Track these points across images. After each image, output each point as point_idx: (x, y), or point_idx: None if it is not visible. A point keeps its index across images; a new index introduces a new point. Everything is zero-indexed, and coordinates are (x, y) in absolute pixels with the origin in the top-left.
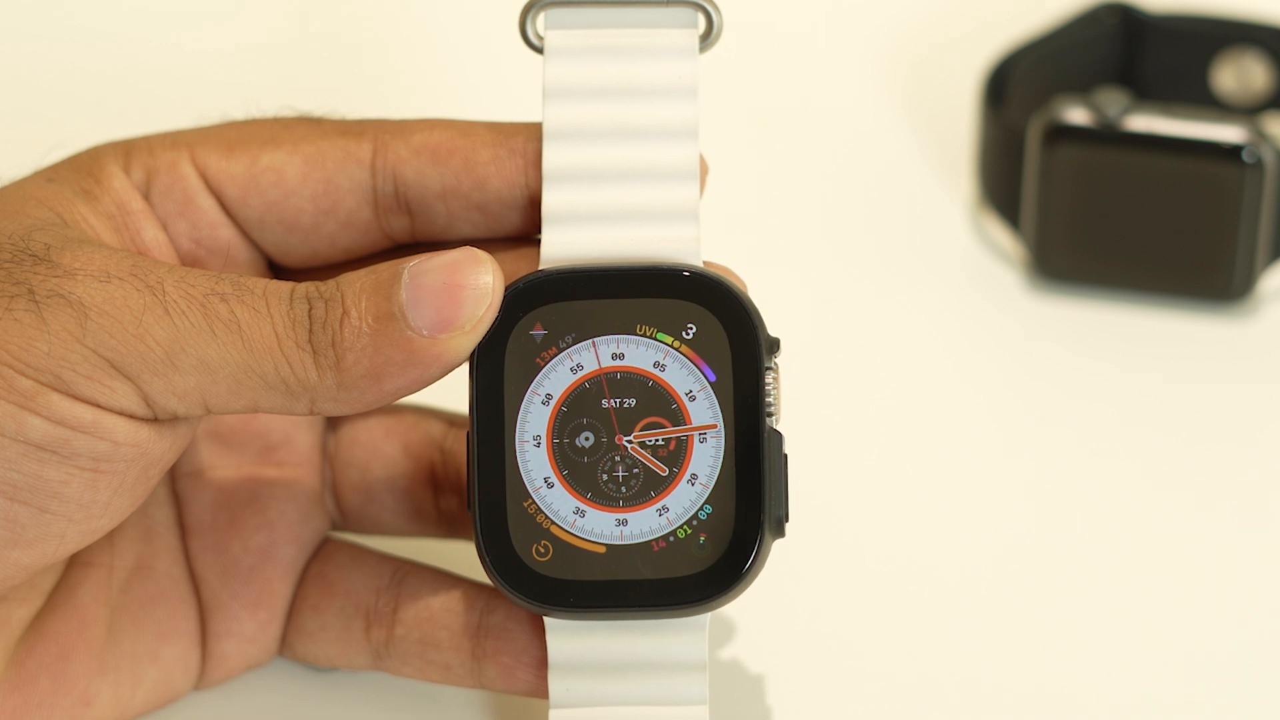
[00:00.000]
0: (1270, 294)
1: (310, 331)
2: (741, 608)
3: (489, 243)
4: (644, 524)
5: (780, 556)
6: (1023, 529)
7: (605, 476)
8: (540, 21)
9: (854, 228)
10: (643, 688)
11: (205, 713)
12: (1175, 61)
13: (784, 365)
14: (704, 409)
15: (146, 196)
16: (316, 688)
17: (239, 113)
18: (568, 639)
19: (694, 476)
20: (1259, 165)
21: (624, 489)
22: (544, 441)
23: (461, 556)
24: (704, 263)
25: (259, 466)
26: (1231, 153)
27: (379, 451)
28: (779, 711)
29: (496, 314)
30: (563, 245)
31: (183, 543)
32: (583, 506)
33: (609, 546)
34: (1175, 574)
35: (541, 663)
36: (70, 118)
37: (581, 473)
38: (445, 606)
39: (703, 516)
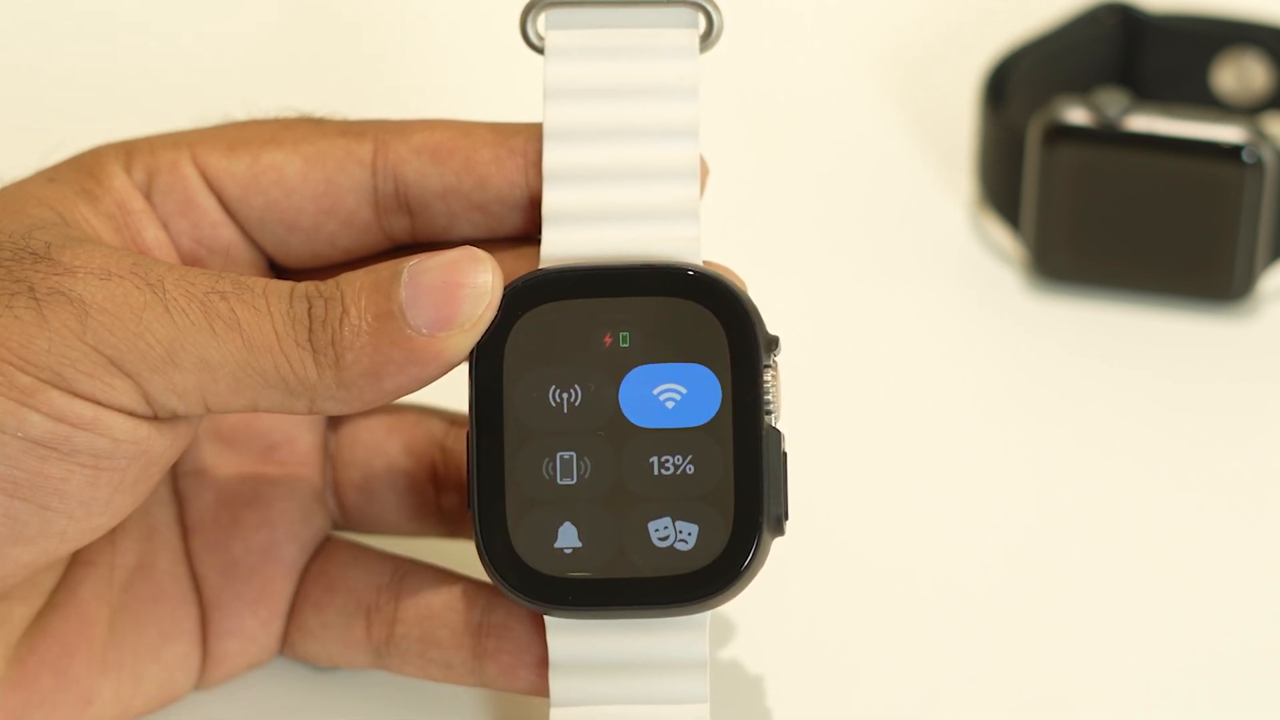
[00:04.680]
0: (1270, 294)
1: (310, 330)
2: (742, 606)
3: (489, 243)
4: None
5: (780, 555)
6: (1022, 529)
7: None
8: (541, 22)
9: (853, 228)
10: (644, 686)
11: (206, 712)
12: (1175, 61)
13: (783, 364)
14: (703, 407)
15: (148, 196)
16: (317, 687)
17: (240, 113)
18: (568, 637)
19: (693, 474)
20: (1259, 165)
21: None
22: None
23: (462, 555)
24: (704, 262)
25: (260, 465)
26: (1231, 153)
27: (380, 450)
28: (780, 710)
29: (496, 313)
30: (563, 245)
31: (184, 541)
32: None
33: None
34: (1175, 573)
35: (542, 661)
36: (71, 118)
37: None
38: (446, 605)
39: (702, 514)
